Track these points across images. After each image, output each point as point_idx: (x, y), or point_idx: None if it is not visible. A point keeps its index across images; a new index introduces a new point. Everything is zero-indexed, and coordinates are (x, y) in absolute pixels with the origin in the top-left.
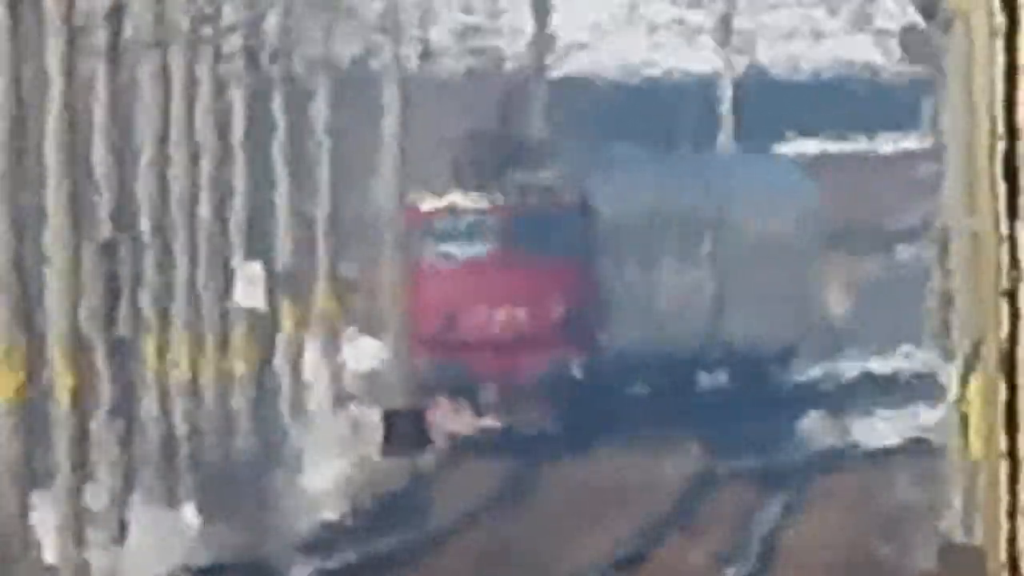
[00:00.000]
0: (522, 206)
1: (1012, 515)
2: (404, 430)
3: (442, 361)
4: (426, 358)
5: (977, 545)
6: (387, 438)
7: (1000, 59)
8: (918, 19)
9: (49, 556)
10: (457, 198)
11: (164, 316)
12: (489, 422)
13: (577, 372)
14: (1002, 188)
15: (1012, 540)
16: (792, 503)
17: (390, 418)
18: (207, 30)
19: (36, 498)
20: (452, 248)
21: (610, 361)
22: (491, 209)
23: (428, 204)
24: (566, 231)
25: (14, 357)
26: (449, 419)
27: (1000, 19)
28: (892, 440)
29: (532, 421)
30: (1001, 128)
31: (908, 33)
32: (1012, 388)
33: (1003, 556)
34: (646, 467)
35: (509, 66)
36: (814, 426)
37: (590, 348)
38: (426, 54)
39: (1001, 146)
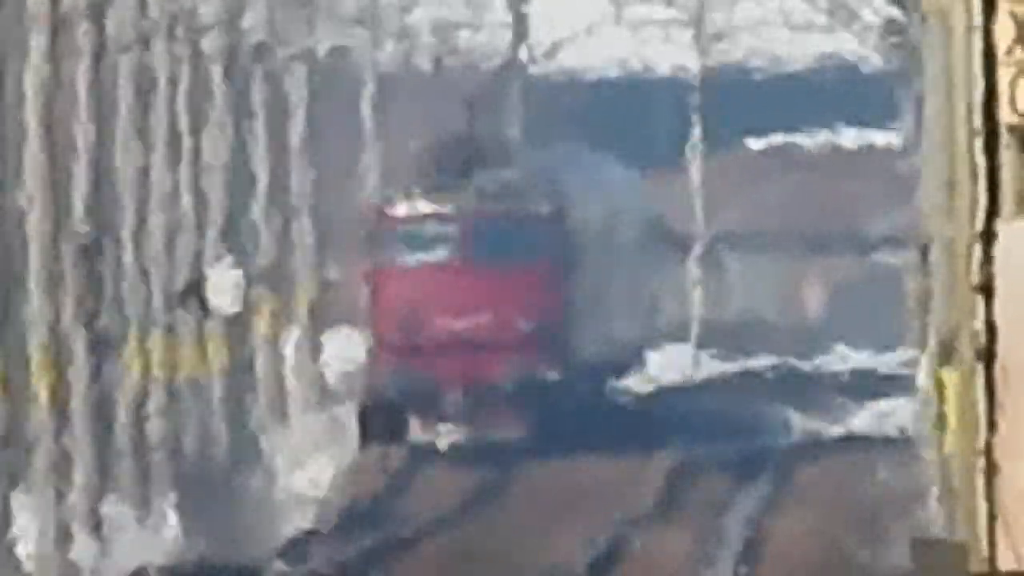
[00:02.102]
0: (488, 210)
1: (990, 509)
2: (381, 426)
3: (407, 369)
4: (390, 366)
5: (954, 539)
6: (363, 434)
7: (978, 53)
8: (897, 13)
9: (27, 557)
10: (422, 201)
11: (143, 316)
12: (455, 432)
13: (544, 378)
14: (980, 184)
15: (991, 534)
16: (770, 497)
17: (367, 414)
18: (185, 27)
19: (14, 499)
20: (416, 253)
21: (576, 366)
22: (456, 213)
23: (393, 207)
24: (532, 235)
25: None
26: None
27: (978, 13)
28: (869, 434)
29: (499, 429)
30: (978, 122)
31: (887, 27)
32: (989, 381)
33: (983, 551)
34: (621, 467)
35: (487, 63)
36: (791, 421)
37: (557, 354)
38: (404, 50)
39: (979, 142)
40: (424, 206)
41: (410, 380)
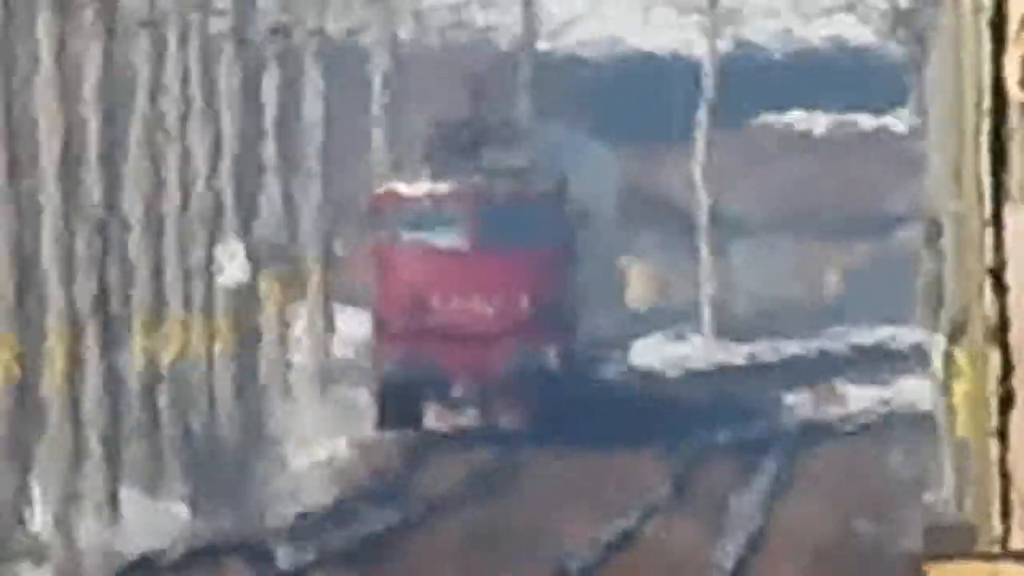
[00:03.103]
0: (493, 192)
1: (1003, 491)
2: (388, 409)
3: (412, 353)
4: (396, 351)
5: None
6: (381, 413)
7: (985, 34)
8: None
9: (42, 534)
10: (427, 182)
11: (155, 297)
12: (462, 416)
13: (550, 363)
14: (987, 167)
15: (1003, 516)
16: (780, 480)
17: (383, 393)
18: (197, 7)
19: (30, 479)
20: (421, 235)
21: (583, 349)
22: (461, 194)
23: (398, 188)
24: (538, 216)
25: (7, 340)
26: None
27: None
28: (883, 416)
29: (506, 413)
30: (987, 103)
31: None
32: (1003, 364)
33: (996, 532)
34: (630, 452)
35: (499, 42)
36: (804, 401)
37: (562, 337)
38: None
39: (986, 124)
40: (430, 186)
41: (416, 365)
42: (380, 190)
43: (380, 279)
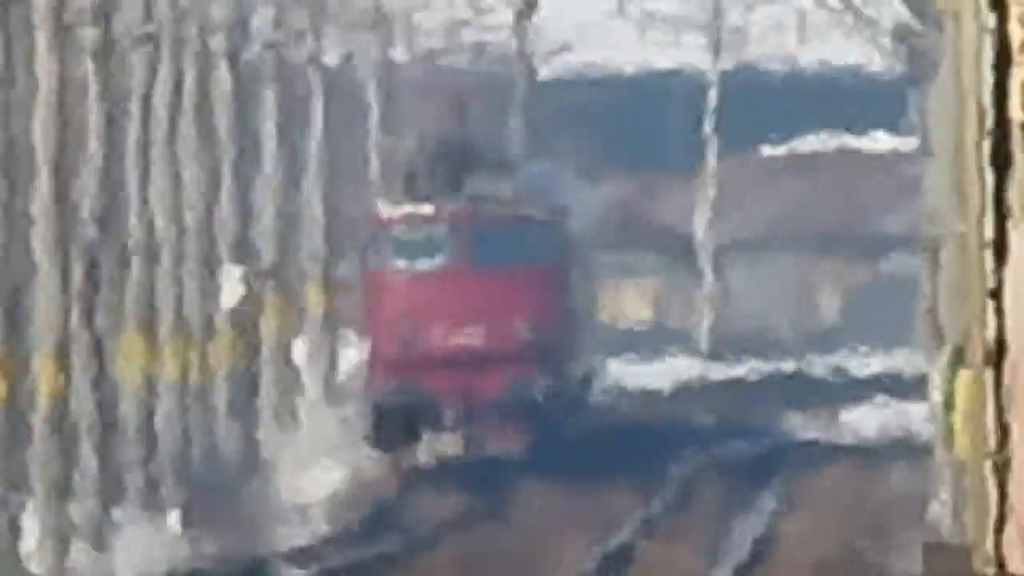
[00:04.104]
0: (485, 214)
1: (1000, 515)
2: (393, 426)
3: (402, 382)
4: (390, 378)
5: (964, 544)
6: (376, 434)
7: (988, 54)
8: (909, 18)
9: (33, 563)
10: (416, 206)
11: (150, 319)
12: (457, 444)
13: (541, 391)
14: (989, 186)
15: (998, 539)
16: (780, 500)
17: (379, 414)
18: (192, 27)
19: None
20: (411, 260)
21: (578, 373)
22: (451, 218)
23: (388, 211)
24: (531, 240)
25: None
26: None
27: (989, 16)
28: (881, 438)
29: (500, 440)
30: (990, 123)
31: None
32: (999, 386)
33: (990, 553)
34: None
35: (494, 64)
36: (803, 423)
37: (557, 362)
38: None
39: (987, 144)
40: (421, 209)
41: (410, 393)
42: (371, 214)
43: (373, 306)
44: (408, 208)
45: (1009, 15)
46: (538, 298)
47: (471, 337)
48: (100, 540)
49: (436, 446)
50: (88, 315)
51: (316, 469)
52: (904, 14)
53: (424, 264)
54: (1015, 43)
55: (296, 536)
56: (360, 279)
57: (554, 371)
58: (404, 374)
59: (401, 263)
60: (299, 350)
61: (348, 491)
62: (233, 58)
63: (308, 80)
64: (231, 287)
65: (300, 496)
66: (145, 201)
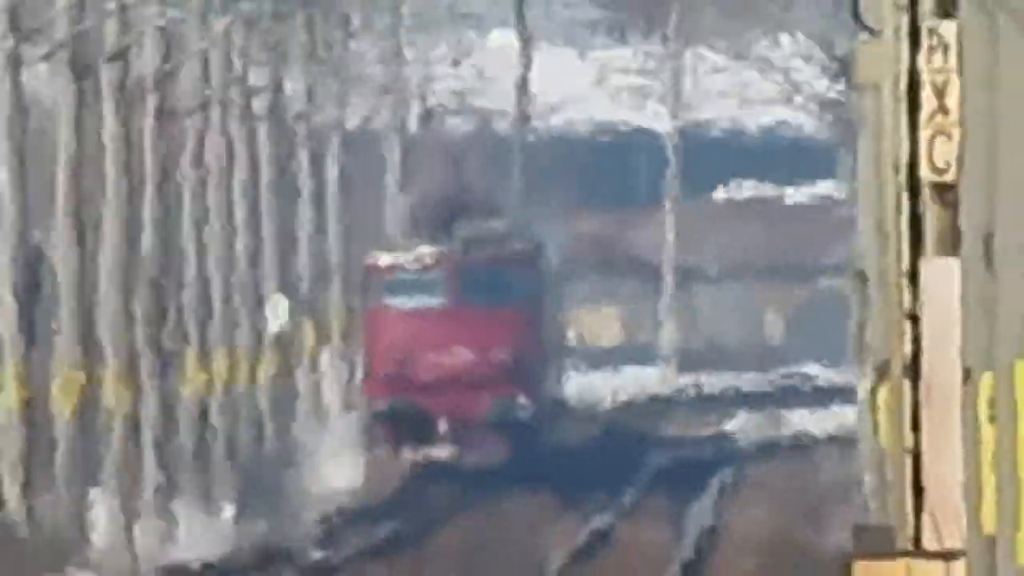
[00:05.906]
0: (473, 256)
1: (917, 499)
2: (411, 425)
3: (396, 399)
4: (380, 396)
5: (885, 524)
6: (396, 433)
7: (903, 119)
8: (835, 87)
9: (98, 546)
10: (412, 251)
11: (204, 337)
12: (442, 453)
13: (523, 411)
14: (905, 227)
15: (916, 519)
16: (730, 490)
17: (397, 414)
18: (236, 93)
19: (93, 494)
20: (406, 300)
21: (556, 391)
22: (445, 263)
23: (390, 259)
24: (513, 279)
25: (75, 373)
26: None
27: (903, 87)
28: (817, 436)
29: (484, 453)
30: (904, 176)
31: (827, 100)
32: (915, 394)
33: (909, 533)
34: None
35: (496, 126)
36: (749, 423)
37: (534, 384)
38: (424, 116)
39: (904, 194)
40: (419, 254)
41: (399, 409)
42: (371, 259)
43: (371, 339)
44: (408, 255)
45: (922, 85)
46: (519, 328)
47: (460, 362)
48: (163, 526)
49: (431, 453)
50: (152, 335)
51: (336, 464)
52: (831, 85)
53: (421, 302)
54: (925, 111)
55: (320, 522)
56: (364, 315)
57: (533, 391)
58: (401, 393)
59: (399, 301)
60: (324, 363)
61: (363, 484)
62: (273, 120)
63: (332, 142)
64: (279, 314)
65: (328, 484)
66: (200, 242)
